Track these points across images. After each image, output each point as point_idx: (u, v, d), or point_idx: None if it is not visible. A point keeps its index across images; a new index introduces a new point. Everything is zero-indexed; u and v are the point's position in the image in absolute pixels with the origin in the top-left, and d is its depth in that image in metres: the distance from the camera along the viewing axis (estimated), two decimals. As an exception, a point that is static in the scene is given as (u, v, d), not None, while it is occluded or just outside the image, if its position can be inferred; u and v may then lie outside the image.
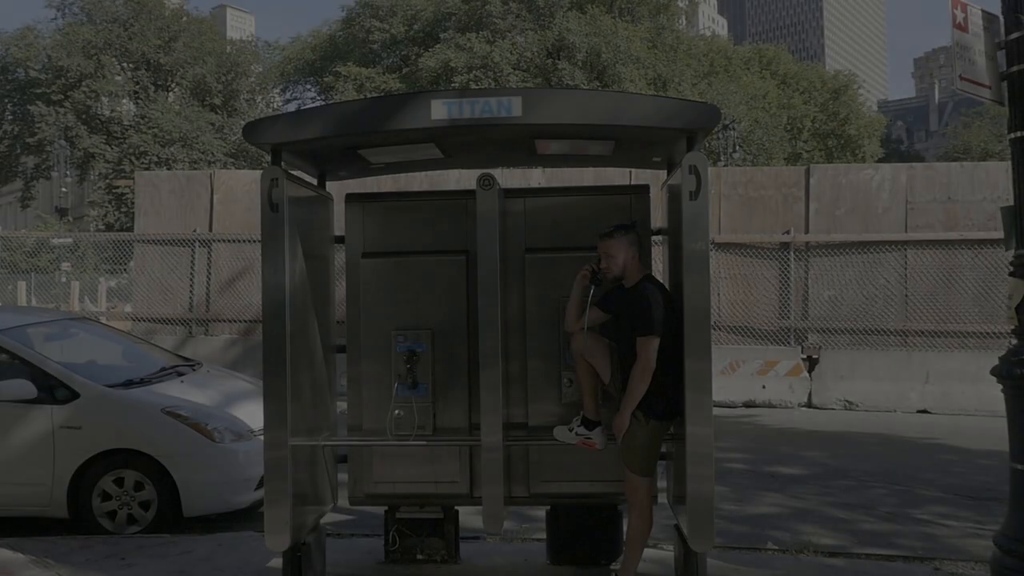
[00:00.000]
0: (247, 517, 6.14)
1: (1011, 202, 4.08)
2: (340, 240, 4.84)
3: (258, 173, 9.77)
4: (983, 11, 4.35)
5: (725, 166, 28.86)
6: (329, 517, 5.21)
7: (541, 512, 5.07)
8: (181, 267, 13.37)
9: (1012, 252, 4.08)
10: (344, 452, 4.81)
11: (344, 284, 4.81)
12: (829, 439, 9.35)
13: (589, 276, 4.21)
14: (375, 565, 4.92)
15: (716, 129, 5.54)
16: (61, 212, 36.07)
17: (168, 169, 33.42)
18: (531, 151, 4.57)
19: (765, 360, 11.70)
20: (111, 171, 37.48)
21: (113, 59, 39.54)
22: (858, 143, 44.32)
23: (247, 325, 13.00)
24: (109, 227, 36.41)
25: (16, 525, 5.95)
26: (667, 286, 4.35)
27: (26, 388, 5.83)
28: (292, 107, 42.02)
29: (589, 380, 4.33)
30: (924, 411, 11.06)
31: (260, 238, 4.09)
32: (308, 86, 42.30)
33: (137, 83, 40.29)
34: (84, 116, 38.16)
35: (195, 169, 33.62)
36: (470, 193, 4.30)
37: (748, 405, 11.49)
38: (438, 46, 34.32)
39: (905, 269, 11.76)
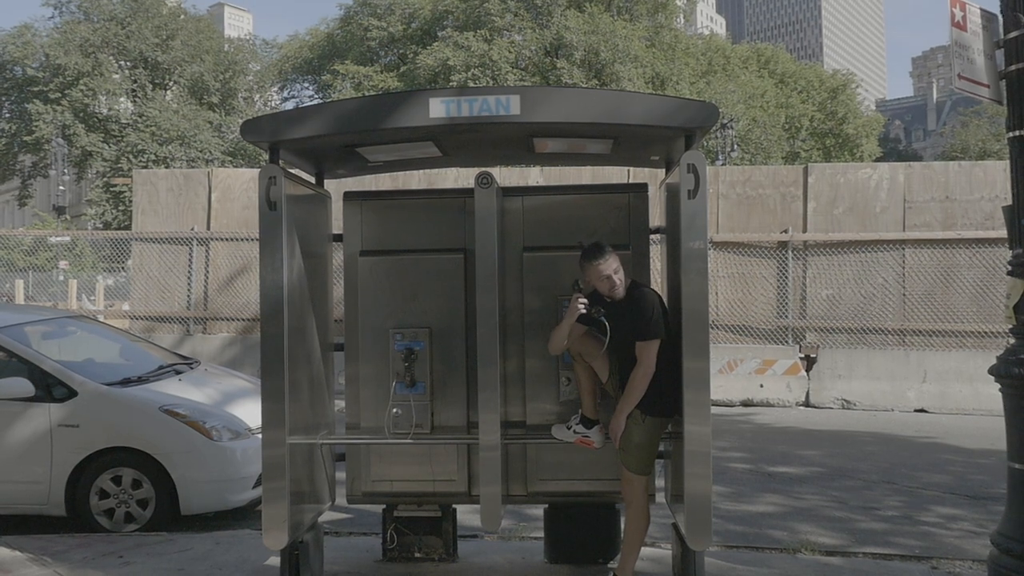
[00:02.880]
0: (245, 515, 6.15)
1: (1010, 201, 4.08)
2: (338, 238, 4.84)
3: (256, 171, 9.76)
4: (982, 10, 4.35)
5: (723, 165, 28.86)
6: (327, 515, 5.21)
7: (539, 510, 5.07)
8: (179, 265, 13.37)
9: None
10: (342, 450, 4.80)
11: (342, 282, 4.81)
12: (827, 438, 9.36)
13: (587, 308, 4.09)
14: (373, 563, 4.92)
15: (714, 128, 5.54)
16: (59, 210, 36.06)
17: (166, 167, 33.40)
18: (529, 149, 4.57)
19: (763, 359, 11.71)
20: (109, 169, 37.46)
21: (110, 57, 39.48)
22: (856, 142, 44.33)
23: (245, 323, 13.00)
24: (107, 225, 36.43)
25: (14, 523, 5.95)
26: (665, 285, 4.35)
27: (24, 386, 5.82)
28: (290, 105, 41.99)
29: (588, 379, 4.33)
30: (922, 410, 11.07)
31: (258, 236, 4.08)
32: (306, 84, 42.31)
33: (135, 81, 40.25)
34: (82, 114, 38.10)
35: (193, 167, 33.61)
36: (468, 191, 4.31)
37: (746, 404, 11.51)
38: (436, 44, 34.29)
39: (903, 268, 11.77)
